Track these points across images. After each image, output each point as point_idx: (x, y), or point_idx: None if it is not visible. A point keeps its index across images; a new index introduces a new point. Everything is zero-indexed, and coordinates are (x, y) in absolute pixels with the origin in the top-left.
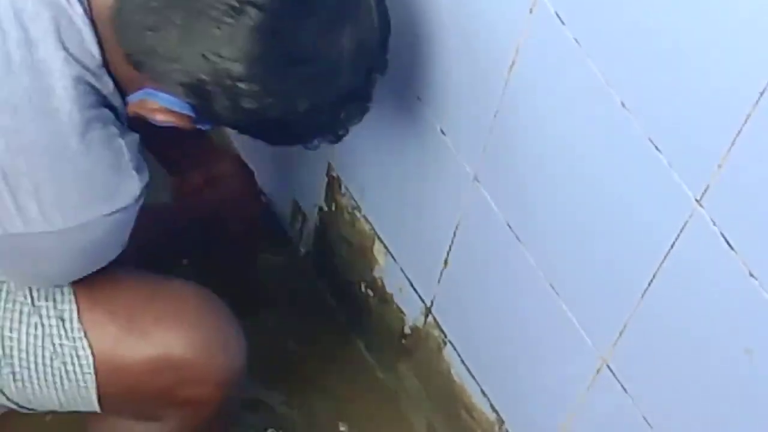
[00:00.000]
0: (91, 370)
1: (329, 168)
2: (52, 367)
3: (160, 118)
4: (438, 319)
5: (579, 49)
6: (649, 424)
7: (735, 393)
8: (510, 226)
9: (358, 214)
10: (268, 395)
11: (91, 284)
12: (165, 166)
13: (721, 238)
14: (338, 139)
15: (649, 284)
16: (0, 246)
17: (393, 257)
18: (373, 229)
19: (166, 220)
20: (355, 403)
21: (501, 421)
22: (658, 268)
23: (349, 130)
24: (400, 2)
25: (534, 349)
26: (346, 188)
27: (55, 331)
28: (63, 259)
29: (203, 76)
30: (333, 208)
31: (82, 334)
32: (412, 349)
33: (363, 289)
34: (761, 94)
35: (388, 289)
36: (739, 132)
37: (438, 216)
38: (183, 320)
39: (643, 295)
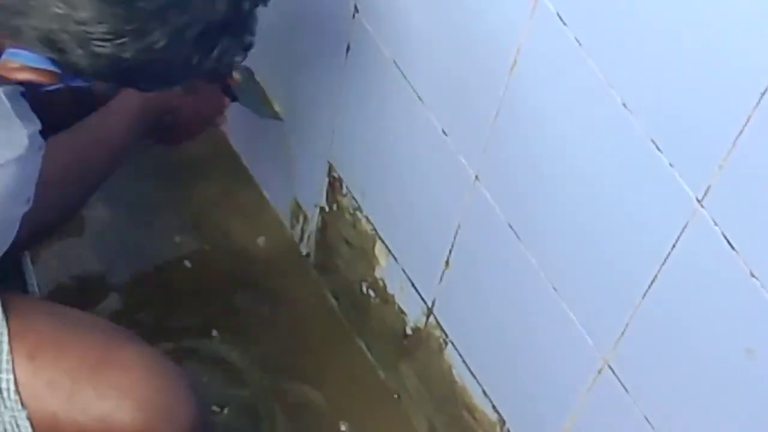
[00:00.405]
0: None
1: (330, 168)
2: None
3: (23, 77)
4: (439, 319)
5: (580, 50)
6: (650, 424)
7: (736, 393)
8: (511, 227)
9: (359, 215)
10: (269, 395)
11: (34, 349)
12: (154, 138)
13: (723, 239)
14: (218, 77)
15: (651, 284)
16: None
17: (394, 257)
18: (374, 229)
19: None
20: (357, 403)
21: (503, 422)
22: (659, 269)
23: (230, 66)
24: (401, 3)
25: (535, 350)
26: (348, 189)
27: None
28: None
29: (51, 26)
30: (334, 209)
31: (20, 405)
32: (413, 350)
33: (364, 289)
34: (762, 94)
35: (390, 290)
36: (741, 132)
37: (439, 216)
38: (126, 394)
39: (644, 296)
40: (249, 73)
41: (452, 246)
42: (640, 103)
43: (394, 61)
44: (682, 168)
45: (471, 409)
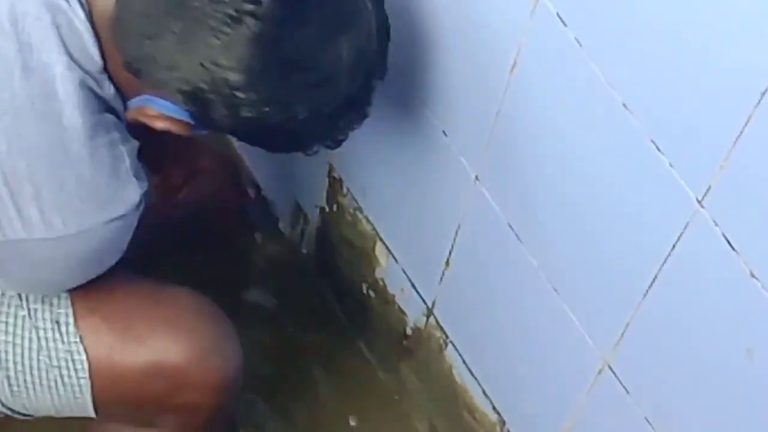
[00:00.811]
0: (86, 376)
1: (331, 169)
2: (47, 372)
3: (159, 125)
4: (439, 319)
5: (580, 50)
6: (650, 425)
7: (736, 393)
8: (511, 227)
9: (359, 215)
10: (268, 396)
11: (87, 290)
12: (146, 163)
13: (723, 239)
14: (337, 144)
15: (651, 285)
16: (0, 252)
17: (395, 258)
18: (374, 229)
19: (150, 220)
20: (357, 403)
21: (503, 422)
22: (659, 269)
23: (348, 135)
24: (401, 4)
25: (536, 350)
26: (348, 189)
27: (50, 335)
28: (62, 266)
29: (201, 85)
30: (334, 209)
31: (78, 339)
32: (413, 350)
33: (364, 289)
34: (762, 94)
35: (390, 290)
36: (741, 133)
37: (439, 217)
38: (178, 327)
39: (644, 296)
40: (260, 196)
41: (452, 246)
42: (640, 104)
43: (395, 62)
44: (683, 168)
45: (471, 410)
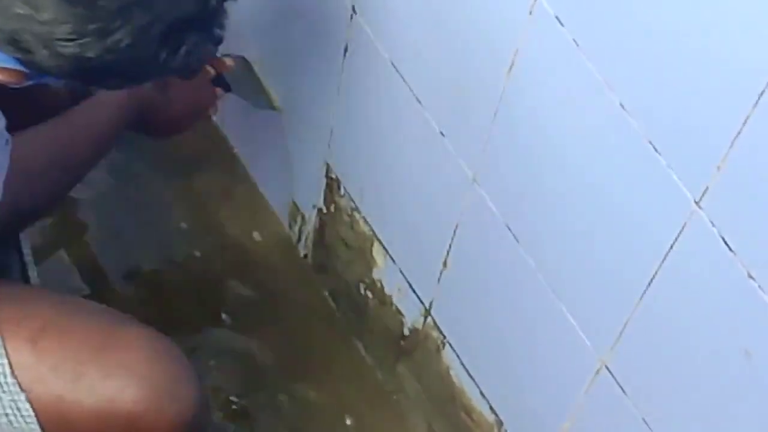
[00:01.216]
0: (35, 423)
1: (328, 169)
2: None
3: None
4: (437, 320)
5: (578, 51)
6: (648, 426)
7: (734, 394)
8: (509, 228)
9: (357, 216)
10: (265, 395)
11: (35, 333)
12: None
13: (720, 240)
14: (193, 74)
15: (648, 286)
16: None
17: (392, 258)
18: (372, 230)
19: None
20: (354, 403)
21: (500, 423)
22: (657, 270)
23: (202, 60)
24: (399, 6)
25: (533, 351)
26: (345, 190)
27: None
28: None
29: (14, 26)
30: (332, 210)
31: (18, 389)
32: (411, 351)
33: (362, 290)
34: (760, 95)
35: (387, 291)
36: (739, 133)
37: (437, 217)
38: (131, 372)
39: (642, 297)
40: (244, 62)
41: (450, 247)
42: (637, 105)
43: (392, 63)
44: (680, 169)
45: (469, 411)
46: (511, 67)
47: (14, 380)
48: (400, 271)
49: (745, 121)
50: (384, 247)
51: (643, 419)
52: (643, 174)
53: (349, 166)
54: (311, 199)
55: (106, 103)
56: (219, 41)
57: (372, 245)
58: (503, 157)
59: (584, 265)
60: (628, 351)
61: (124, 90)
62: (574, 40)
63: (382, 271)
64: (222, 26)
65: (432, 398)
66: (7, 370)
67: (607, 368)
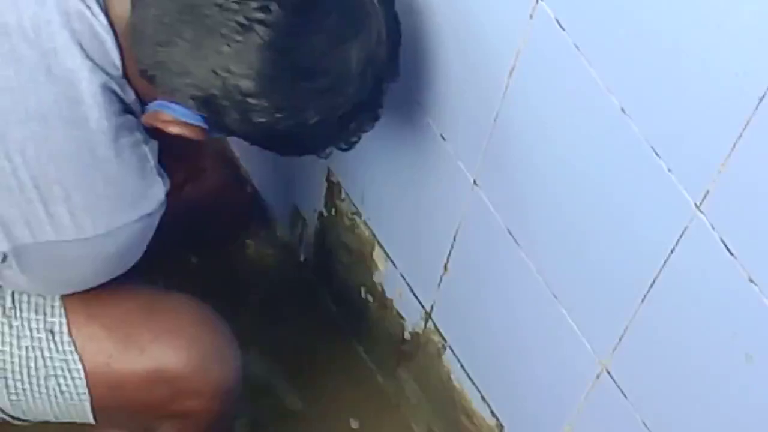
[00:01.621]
0: (84, 384)
1: (329, 173)
2: (45, 380)
3: (174, 130)
4: (438, 324)
5: (579, 55)
6: (649, 430)
7: (735, 399)
8: (510, 232)
9: (357, 220)
10: (264, 400)
11: (88, 297)
12: None
13: (721, 244)
14: (350, 146)
15: (649, 289)
16: (29, 254)
17: (393, 262)
18: (372, 234)
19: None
20: (355, 407)
21: (501, 427)
22: (658, 274)
23: (360, 137)
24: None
25: (534, 355)
26: (346, 193)
27: (45, 344)
28: (90, 266)
29: (214, 91)
30: (333, 214)
31: (73, 347)
32: (411, 355)
33: (363, 294)
34: (761, 99)
35: (388, 295)
36: (740, 137)
37: (438, 221)
38: (179, 335)
39: (643, 301)
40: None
41: (451, 251)
42: (638, 108)
43: None
44: (681, 173)
45: (469, 414)
46: (511, 71)
47: (70, 339)
48: (401, 275)
49: (746, 125)
50: (385, 251)
51: (644, 423)
52: (643, 178)
53: (350, 169)
54: (312, 202)
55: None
56: (378, 118)
57: (373, 249)
58: (504, 161)
59: (585, 269)
60: (629, 355)
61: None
62: (575, 44)
63: (383, 274)
64: (382, 105)
65: (433, 402)
66: (65, 329)
67: (608, 372)
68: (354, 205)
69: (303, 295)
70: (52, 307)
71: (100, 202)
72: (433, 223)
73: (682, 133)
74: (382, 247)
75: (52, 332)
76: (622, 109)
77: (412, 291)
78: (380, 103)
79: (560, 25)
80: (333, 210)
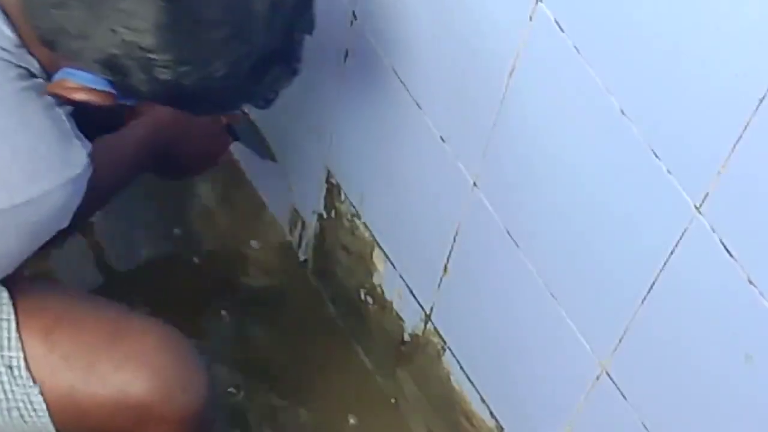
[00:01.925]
0: (47, 416)
1: (328, 175)
2: (8, 411)
3: (80, 97)
4: (437, 325)
5: (578, 57)
6: (648, 431)
7: (735, 400)
8: (509, 233)
9: (357, 221)
10: (265, 401)
11: (48, 324)
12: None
13: (721, 245)
14: (268, 103)
15: (649, 291)
16: None
17: (392, 264)
18: (372, 235)
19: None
20: (354, 408)
21: (500, 428)
22: (657, 275)
23: (278, 93)
24: (399, 10)
25: (533, 356)
26: (346, 195)
27: (5, 378)
28: (13, 237)
29: (115, 51)
30: (332, 215)
31: (32, 382)
32: (411, 356)
33: (362, 295)
34: (761, 101)
35: (388, 296)
36: (739, 139)
37: (437, 223)
38: (142, 364)
39: (642, 302)
40: (247, 117)
41: (450, 252)
42: (638, 110)
43: (393, 68)
44: (681, 175)
45: (469, 416)
46: (511, 72)
47: (28, 374)
48: (401, 277)
49: (746, 127)
50: (384, 253)
51: (643, 424)
52: (643, 179)
53: (350, 171)
54: (311, 204)
55: (134, 139)
56: (297, 72)
57: (372, 251)
58: (503, 163)
59: (584, 270)
60: (629, 356)
61: (150, 128)
62: (575, 46)
63: (383, 276)
64: (299, 59)
65: (432, 403)
66: (22, 363)
67: (608, 373)
68: (353, 207)
69: (302, 296)
70: (8, 339)
71: (12, 173)
72: (433, 225)
73: (682, 134)
74: (381, 248)
75: (10, 367)
76: (622, 111)
77: (411, 292)
78: (296, 55)
79: (560, 27)
80: (333, 212)
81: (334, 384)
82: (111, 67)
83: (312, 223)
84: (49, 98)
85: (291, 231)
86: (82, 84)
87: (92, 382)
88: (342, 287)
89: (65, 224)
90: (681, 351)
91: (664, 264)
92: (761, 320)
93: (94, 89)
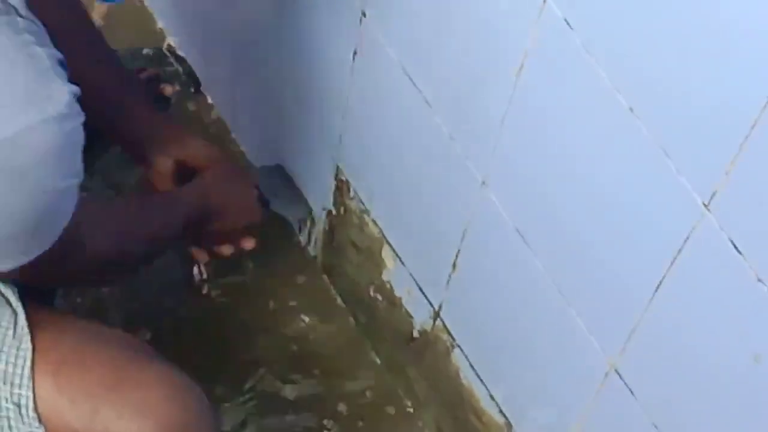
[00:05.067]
0: None
1: (338, 172)
2: None
3: None
4: (446, 322)
5: (587, 54)
6: (658, 430)
7: (744, 398)
8: (518, 231)
9: (366, 218)
10: (271, 398)
11: (58, 363)
12: (127, 151)
13: (729, 243)
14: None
15: (657, 289)
16: None
17: (401, 261)
18: (381, 232)
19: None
20: (363, 404)
21: (509, 426)
22: (665, 273)
23: None
24: (403, 8)
25: (542, 354)
26: (355, 192)
27: (12, 414)
28: (7, 186)
29: None
30: (342, 212)
31: (37, 422)
32: (420, 353)
33: (371, 292)
34: None
35: (397, 293)
36: (747, 137)
37: (446, 220)
38: (146, 414)
39: (651, 300)
40: (281, 170)
41: (459, 250)
42: (647, 108)
43: (402, 66)
44: (689, 173)
45: (478, 413)
46: (520, 70)
47: (35, 414)
48: (410, 274)
49: (754, 125)
50: (393, 250)
51: (653, 423)
52: (652, 178)
53: (359, 168)
54: (321, 201)
55: (173, 211)
56: None
57: (381, 247)
58: (512, 161)
59: (593, 268)
60: (638, 355)
61: (191, 197)
62: (583, 44)
63: (392, 273)
64: None
65: (441, 400)
66: (30, 404)
67: (617, 372)
68: (363, 204)
69: (311, 293)
70: (21, 377)
71: None
72: (442, 222)
73: (691, 132)
74: (390, 245)
75: (18, 405)
76: (631, 109)
77: (420, 289)
78: None
79: (568, 25)
80: (342, 209)
81: (343, 380)
82: None
83: (321, 220)
84: (29, 37)
85: (300, 228)
86: None
87: (95, 430)
88: (351, 284)
89: (74, 179)
90: (690, 349)
91: (673, 262)
92: None
93: None
